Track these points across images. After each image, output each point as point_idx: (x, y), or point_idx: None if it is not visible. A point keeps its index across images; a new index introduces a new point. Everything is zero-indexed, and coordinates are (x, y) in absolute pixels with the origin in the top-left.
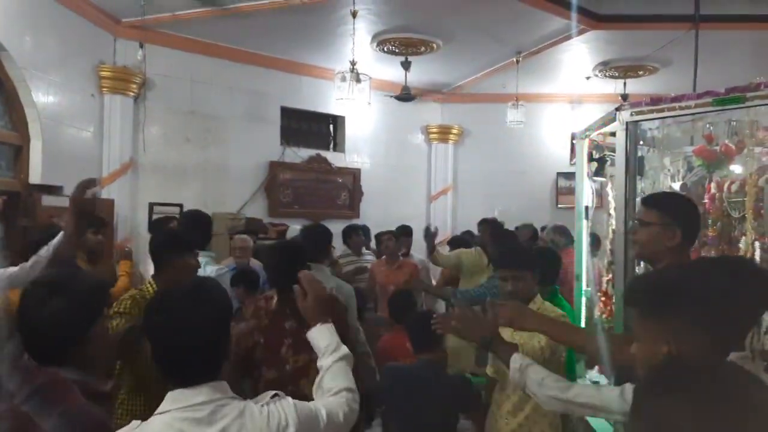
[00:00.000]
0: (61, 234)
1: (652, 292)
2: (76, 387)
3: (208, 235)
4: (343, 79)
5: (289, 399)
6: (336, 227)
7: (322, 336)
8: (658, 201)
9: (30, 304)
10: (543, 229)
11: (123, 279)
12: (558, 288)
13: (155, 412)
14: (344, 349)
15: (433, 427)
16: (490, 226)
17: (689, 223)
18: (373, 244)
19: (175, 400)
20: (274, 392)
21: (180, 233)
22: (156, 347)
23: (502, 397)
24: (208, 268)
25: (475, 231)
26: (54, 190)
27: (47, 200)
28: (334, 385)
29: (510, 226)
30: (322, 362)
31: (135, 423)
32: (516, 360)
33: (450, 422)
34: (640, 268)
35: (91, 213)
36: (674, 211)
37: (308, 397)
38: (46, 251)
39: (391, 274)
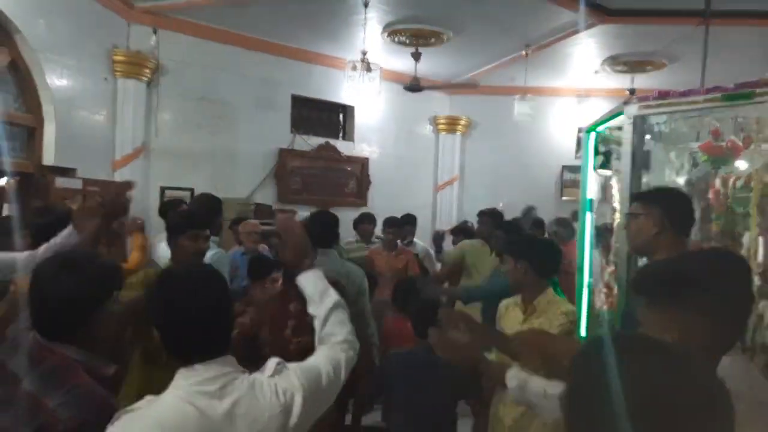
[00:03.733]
0: (70, 227)
1: (661, 280)
2: (81, 368)
3: (218, 218)
4: (354, 68)
5: (293, 365)
6: (343, 215)
7: (309, 282)
8: (644, 193)
9: (43, 277)
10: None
11: (135, 254)
12: (557, 281)
13: (169, 387)
14: (334, 296)
15: (433, 412)
16: (489, 217)
17: (674, 212)
18: (378, 231)
19: (186, 376)
20: (277, 360)
21: (194, 214)
22: (162, 326)
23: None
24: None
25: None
26: (67, 172)
27: (60, 182)
28: (333, 338)
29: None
30: (315, 311)
31: (148, 398)
32: (513, 378)
33: (449, 407)
34: (642, 262)
35: (121, 215)
36: (657, 201)
37: None
38: (53, 243)
39: (391, 261)
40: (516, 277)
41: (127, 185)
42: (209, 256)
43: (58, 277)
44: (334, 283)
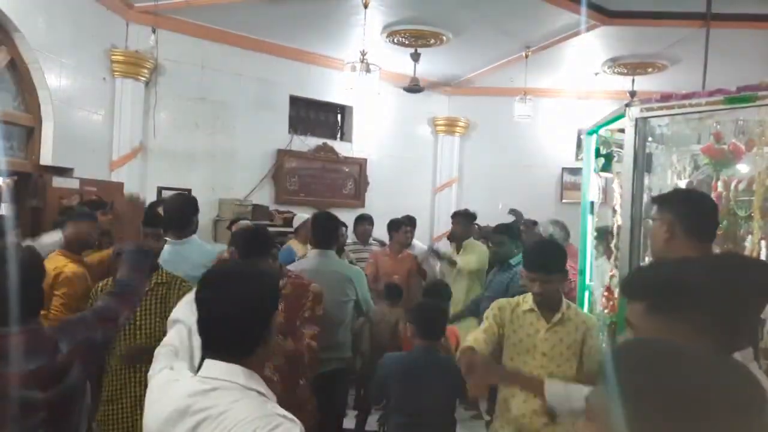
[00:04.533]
0: (60, 234)
1: (650, 285)
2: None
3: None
4: (353, 68)
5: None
6: (341, 216)
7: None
8: (660, 197)
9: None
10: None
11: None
12: None
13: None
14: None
15: (433, 413)
16: (463, 218)
17: (686, 216)
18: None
19: (203, 367)
20: (283, 414)
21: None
22: (198, 316)
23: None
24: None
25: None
26: (64, 171)
27: (57, 182)
28: None
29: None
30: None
31: (169, 373)
32: (556, 388)
33: (449, 409)
34: (644, 264)
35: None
36: (670, 205)
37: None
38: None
39: (394, 264)
40: (534, 289)
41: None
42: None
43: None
44: (304, 286)
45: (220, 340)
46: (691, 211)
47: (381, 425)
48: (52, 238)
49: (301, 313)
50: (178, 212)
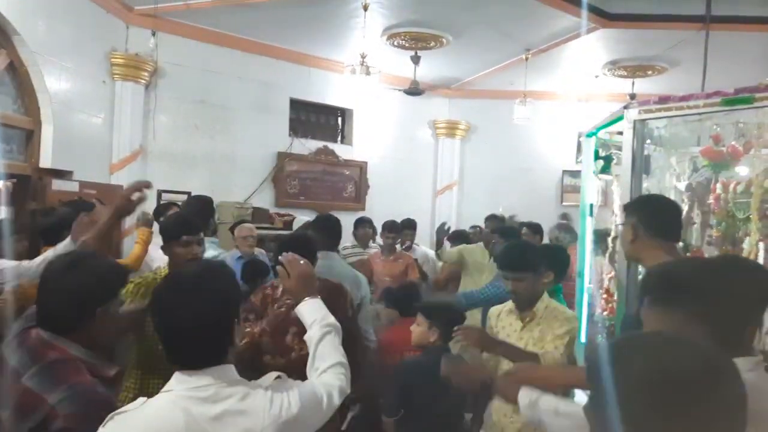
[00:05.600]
0: (69, 239)
1: (667, 284)
2: (84, 366)
3: (211, 220)
4: (353, 71)
5: (292, 381)
6: (341, 219)
7: (309, 310)
8: (626, 204)
9: (52, 273)
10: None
11: (137, 248)
12: (561, 287)
13: (161, 390)
14: (331, 320)
15: (450, 414)
16: (494, 221)
17: (647, 219)
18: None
19: (180, 380)
20: (277, 374)
21: (187, 216)
22: (162, 330)
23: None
24: (206, 254)
25: (478, 227)
26: (64, 174)
27: (57, 185)
28: (326, 362)
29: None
30: (310, 333)
31: (141, 399)
32: (524, 396)
33: (461, 408)
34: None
35: (128, 214)
36: (631, 210)
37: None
38: (53, 253)
39: (388, 265)
40: (509, 288)
41: (145, 184)
42: (210, 257)
43: (66, 274)
44: (338, 287)
45: (190, 351)
46: (650, 213)
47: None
48: (64, 245)
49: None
50: (194, 214)
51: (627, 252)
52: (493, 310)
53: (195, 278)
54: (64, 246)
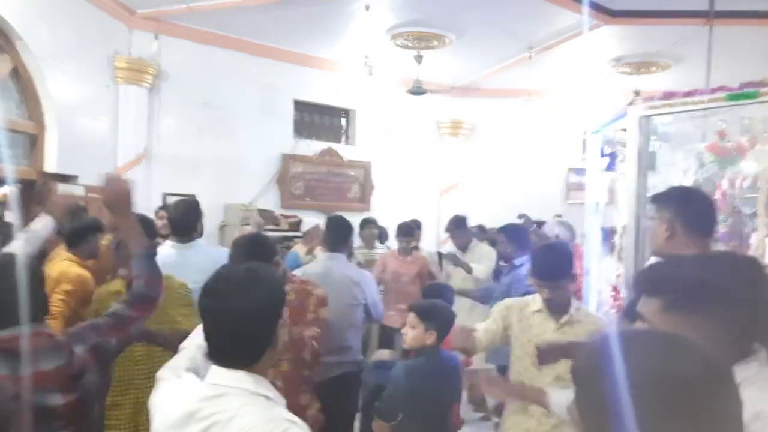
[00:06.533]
0: (47, 217)
1: (668, 281)
2: None
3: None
4: (356, 72)
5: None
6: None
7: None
8: (658, 195)
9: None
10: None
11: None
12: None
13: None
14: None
15: (444, 415)
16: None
17: (685, 213)
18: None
19: (210, 373)
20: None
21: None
22: (203, 325)
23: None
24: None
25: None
26: (69, 179)
27: (62, 189)
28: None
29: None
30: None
31: (177, 379)
32: (559, 396)
33: (453, 406)
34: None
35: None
36: (667, 202)
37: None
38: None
39: (405, 265)
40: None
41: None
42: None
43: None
44: (305, 289)
45: (226, 348)
46: (690, 208)
47: None
48: (43, 222)
49: (305, 316)
50: (182, 216)
51: (659, 248)
52: (512, 303)
53: (237, 279)
54: (43, 226)
